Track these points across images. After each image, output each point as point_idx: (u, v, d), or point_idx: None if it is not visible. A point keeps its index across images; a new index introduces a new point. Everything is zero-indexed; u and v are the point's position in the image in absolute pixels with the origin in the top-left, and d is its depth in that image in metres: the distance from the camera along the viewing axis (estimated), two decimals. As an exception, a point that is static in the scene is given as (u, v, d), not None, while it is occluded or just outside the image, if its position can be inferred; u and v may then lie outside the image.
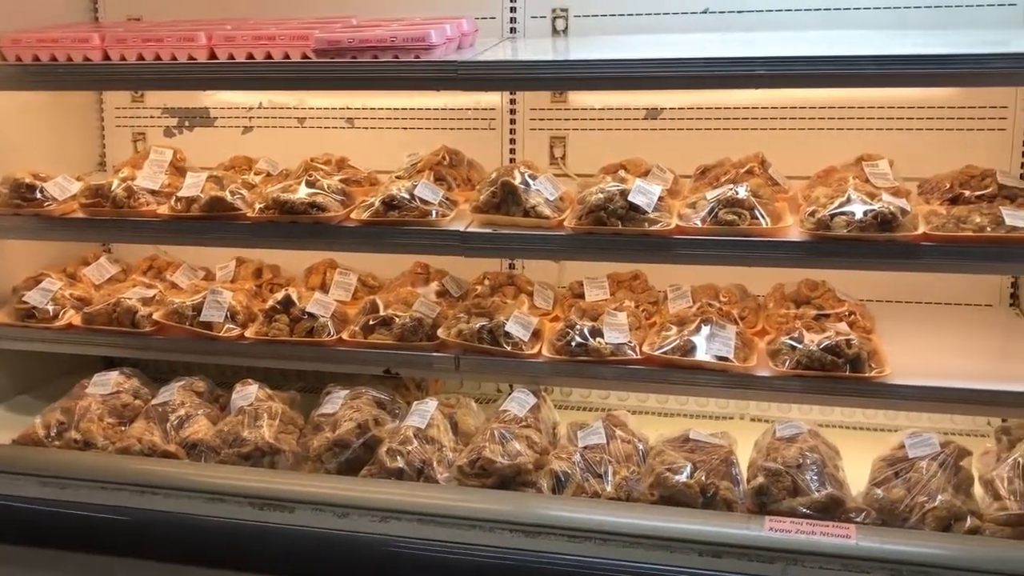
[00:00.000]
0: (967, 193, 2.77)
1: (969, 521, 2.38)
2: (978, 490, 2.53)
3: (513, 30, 3.36)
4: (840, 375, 2.61)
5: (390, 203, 2.88)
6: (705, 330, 2.77)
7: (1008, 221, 2.54)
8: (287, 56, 2.86)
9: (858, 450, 2.79)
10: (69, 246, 3.58)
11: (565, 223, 2.79)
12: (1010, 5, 3.04)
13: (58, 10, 3.57)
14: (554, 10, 3.33)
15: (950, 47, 2.62)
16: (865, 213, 2.58)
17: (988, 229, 2.54)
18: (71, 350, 3.22)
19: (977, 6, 3.06)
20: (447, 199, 2.97)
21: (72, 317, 3.19)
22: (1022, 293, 3.19)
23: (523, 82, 2.97)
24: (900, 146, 3.11)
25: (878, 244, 2.56)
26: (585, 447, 2.73)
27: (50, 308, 3.19)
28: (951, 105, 3.12)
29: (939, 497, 2.42)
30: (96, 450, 2.94)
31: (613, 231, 2.72)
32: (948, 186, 2.83)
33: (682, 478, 2.53)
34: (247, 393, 3.02)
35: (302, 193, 2.95)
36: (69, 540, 2.77)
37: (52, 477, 2.83)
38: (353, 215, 2.93)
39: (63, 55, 3.00)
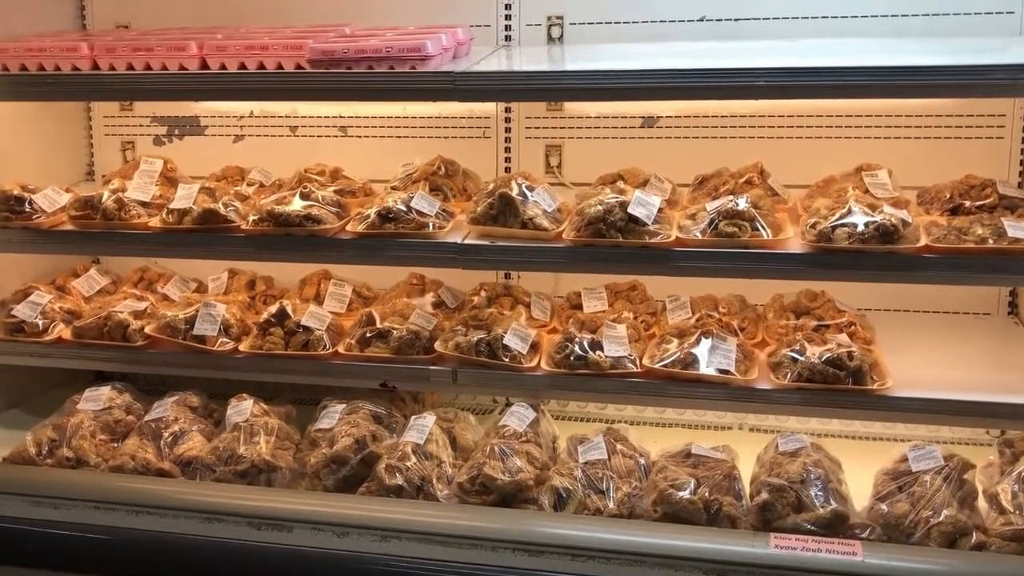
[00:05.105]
0: (967, 203, 2.77)
1: (974, 536, 2.37)
2: (982, 504, 2.52)
3: (508, 38, 3.33)
4: (842, 388, 2.60)
5: (387, 215, 2.85)
6: (706, 342, 2.75)
7: (1011, 233, 2.52)
8: (280, 66, 2.82)
9: (857, 460, 2.80)
10: (57, 258, 3.52)
11: (564, 235, 2.76)
12: (1008, 13, 3.03)
13: (46, 17, 3.51)
14: (549, 18, 3.30)
15: (950, 58, 2.61)
16: (867, 225, 2.56)
17: (990, 240, 2.53)
18: (61, 364, 3.18)
19: (975, 14, 3.05)
20: (444, 210, 2.94)
21: (62, 331, 3.14)
22: (1021, 302, 3.19)
23: (521, 93, 2.94)
24: (898, 154, 3.10)
25: (880, 256, 2.55)
26: (586, 462, 2.71)
27: (39, 322, 3.14)
28: (949, 114, 3.12)
29: (944, 512, 2.41)
30: (89, 468, 2.89)
31: (612, 243, 2.70)
32: (948, 196, 2.82)
33: (685, 494, 2.51)
34: (242, 408, 2.98)
35: (297, 205, 2.91)
36: (62, 561, 2.72)
37: (44, 496, 2.78)
38: (349, 227, 2.89)
39: (51, 64, 2.94)
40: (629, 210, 2.70)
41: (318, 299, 3.27)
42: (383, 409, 3.01)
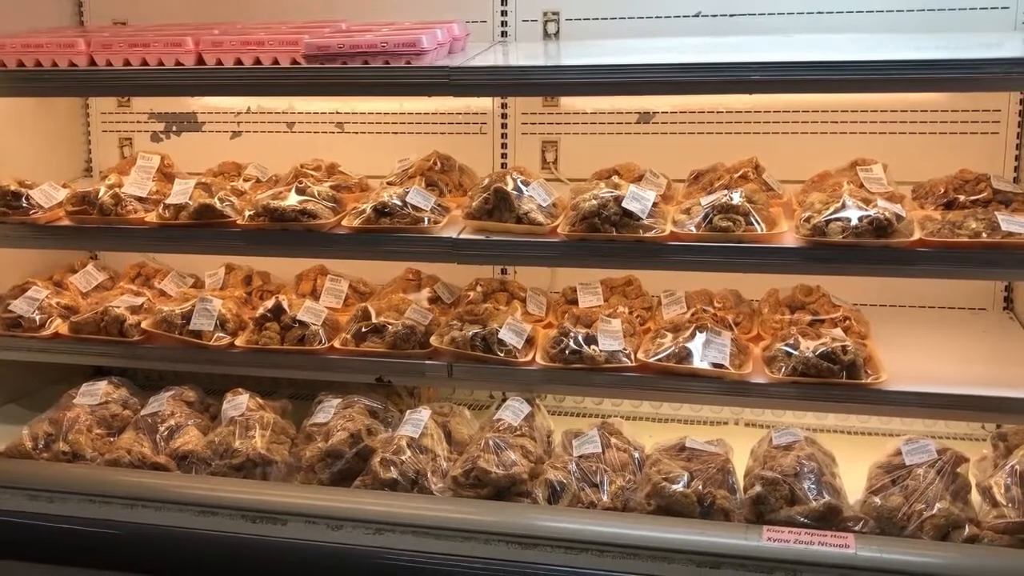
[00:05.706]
0: (962, 198, 2.77)
1: (967, 529, 2.37)
2: (975, 497, 2.53)
3: (504, 34, 3.34)
4: (836, 382, 2.60)
5: (382, 210, 2.85)
6: (700, 337, 2.76)
7: (1004, 227, 2.52)
8: (276, 61, 2.82)
9: (853, 454, 2.80)
10: (55, 254, 3.54)
11: (559, 230, 2.76)
12: (1003, 8, 3.03)
13: (43, 14, 3.52)
14: (545, 13, 3.30)
15: (945, 51, 2.62)
16: (860, 219, 2.56)
17: (984, 235, 2.53)
18: (58, 359, 3.19)
19: (970, 9, 3.05)
20: (439, 205, 2.94)
21: (59, 326, 3.14)
22: (1016, 297, 3.19)
23: (516, 87, 2.94)
24: (893, 150, 3.10)
25: (874, 250, 2.55)
26: (580, 456, 2.71)
27: (36, 317, 3.14)
28: (944, 109, 3.12)
29: (937, 505, 2.41)
30: (85, 462, 2.90)
31: (607, 238, 2.70)
32: (943, 191, 2.82)
33: (679, 487, 2.51)
34: (238, 403, 2.99)
35: (292, 200, 2.91)
36: (58, 554, 2.73)
37: (40, 490, 2.79)
38: (344, 222, 2.90)
39: (48, 60, 2.95)
40: (624, 205, 2.71)
41: (314, 294, 3.28)
42: (379, 404, 3.02)
